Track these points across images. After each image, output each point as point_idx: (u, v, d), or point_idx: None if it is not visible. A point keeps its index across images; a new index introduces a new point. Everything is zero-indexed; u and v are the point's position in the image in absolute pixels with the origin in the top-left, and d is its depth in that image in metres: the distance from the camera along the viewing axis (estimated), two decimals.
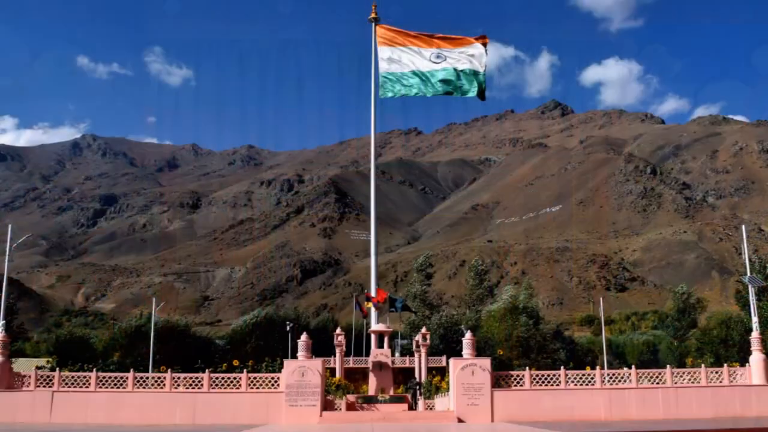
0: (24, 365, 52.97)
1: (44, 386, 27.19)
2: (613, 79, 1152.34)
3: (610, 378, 27.87)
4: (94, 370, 29.43)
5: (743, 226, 45.81)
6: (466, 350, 27.85)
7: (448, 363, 30.34)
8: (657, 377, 27.96)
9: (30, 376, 27.53)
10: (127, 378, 27.30)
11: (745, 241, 40.24)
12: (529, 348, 74.68)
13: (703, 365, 29.55)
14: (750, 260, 52.29)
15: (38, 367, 41.06)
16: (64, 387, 27.14)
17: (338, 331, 37.38)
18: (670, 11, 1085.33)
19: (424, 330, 36.37)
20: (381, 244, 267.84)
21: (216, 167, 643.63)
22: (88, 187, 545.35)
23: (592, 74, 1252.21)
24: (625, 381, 27.71)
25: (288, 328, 71.29)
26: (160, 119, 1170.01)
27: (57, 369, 30.94)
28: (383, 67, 33.98)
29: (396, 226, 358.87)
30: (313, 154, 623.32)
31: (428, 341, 35.91)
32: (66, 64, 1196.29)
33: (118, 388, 27.17)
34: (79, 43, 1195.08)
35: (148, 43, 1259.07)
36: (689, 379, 28.02)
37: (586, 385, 27.35)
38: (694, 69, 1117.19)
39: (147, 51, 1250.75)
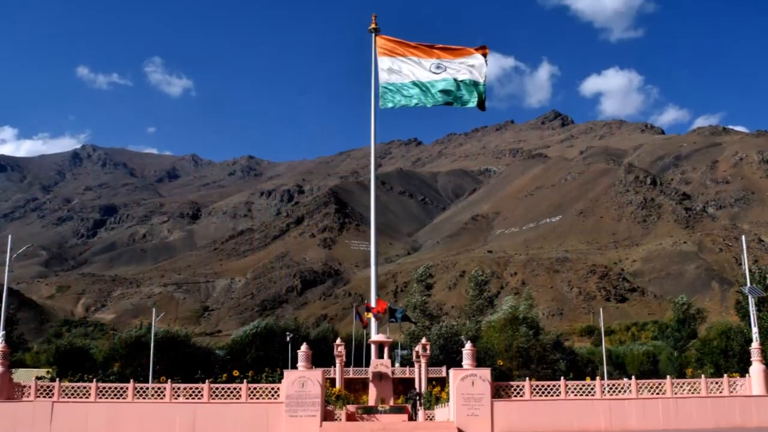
0: (24, 376, 52.90)
1: (44, 397, 27.16)
2: (614, 89, 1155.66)
3: (610, 388, 27.85)
4: (94, 380, 29.44)
5: (743, 237, 45.86)
6: (466, 361, 27.84)
7: (448, 373, 30.31)
8: (657, 388, 27.93)
9: (30, 387, 27.51)
10: (127, 388, 27.29)
11: (745, 251, 40.26)
12: (529, 358, 74.57)
13: (703, 376, 29.53)
14: (750, 271, 52.23)
15: (38, 378, 41.00)
16: (64, 397, 27.11)
17: (338, 341, 37.38)
18: (670, 21, 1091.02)
19: (424, 340, 36.33)
20: (381, 254, 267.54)
21: (216, 178, 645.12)
22: (88, 197, 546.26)
23: (592, 84, 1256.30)
24: (625, 391, 27.69)
25: (288, 338, 71.29)
26: (160, 129, 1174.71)
27: (57, 379, 30.95)
28: (383, 77, 34.05)
29: (396, 237, 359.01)
30: (313, 165, 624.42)
31: (428, 352, 35.87)
32: (66, 75, 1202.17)
33: (118, 398, 27.14)
34: (79, 53, 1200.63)
35: (148, 54, 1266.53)
36: (689, 390, 27.99)
37: (586, 395, 27.33)
38: (695, 79, 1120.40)
39: (147, 61, 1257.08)
